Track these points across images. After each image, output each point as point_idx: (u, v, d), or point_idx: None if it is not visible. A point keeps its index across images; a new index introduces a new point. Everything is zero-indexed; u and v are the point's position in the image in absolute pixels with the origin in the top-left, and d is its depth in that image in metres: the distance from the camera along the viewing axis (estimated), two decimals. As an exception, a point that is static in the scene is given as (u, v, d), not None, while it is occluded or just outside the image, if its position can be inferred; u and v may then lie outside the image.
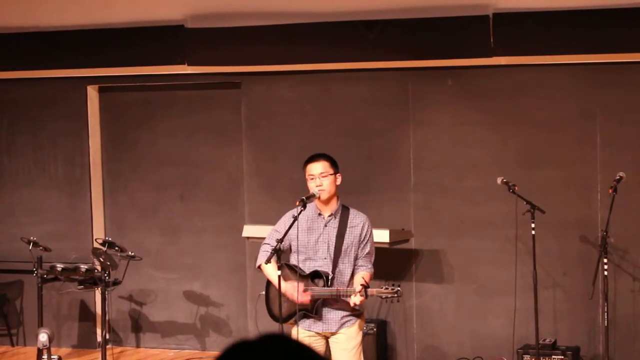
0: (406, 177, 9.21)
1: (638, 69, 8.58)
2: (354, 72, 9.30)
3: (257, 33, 9.28)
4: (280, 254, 6.56)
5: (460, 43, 8.84)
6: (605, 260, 7.87)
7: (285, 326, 6.62)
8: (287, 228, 6.47)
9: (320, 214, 6.58)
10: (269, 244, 6.56)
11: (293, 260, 6.60)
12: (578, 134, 8.78)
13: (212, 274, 10.07)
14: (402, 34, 8.97)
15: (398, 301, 6.67)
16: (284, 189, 9.34)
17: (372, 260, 6.62)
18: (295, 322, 6.55)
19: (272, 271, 6.50)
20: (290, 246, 6.60)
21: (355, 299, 6.33)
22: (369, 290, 6.34)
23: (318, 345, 6.50)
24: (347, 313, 6.52)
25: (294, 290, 6.46)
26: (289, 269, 6.57)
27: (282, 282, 6.46)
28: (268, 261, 6.42)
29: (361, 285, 6.33)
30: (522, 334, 8.64)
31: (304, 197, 6.48)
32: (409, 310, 9.24)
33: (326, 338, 6.57)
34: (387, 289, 6.40)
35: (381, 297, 6.43)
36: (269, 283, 6.71)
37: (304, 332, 6.52)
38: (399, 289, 6.41)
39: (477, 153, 9.01)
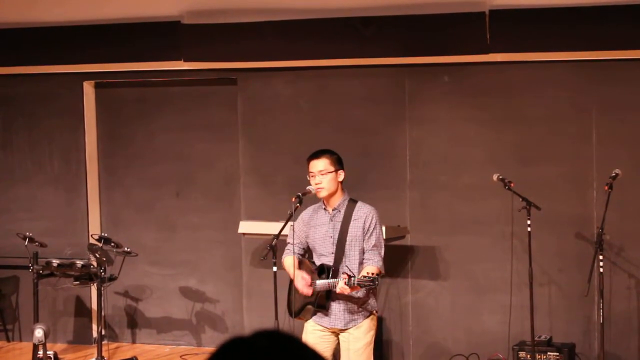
0: (402, 174, 9.21)
1: (634, 66, 8.59)
2: (350, 69, 9.30)
3: (254, 29, 9.27)
4: (276, 251, 6.60)
5: (457, 40, 8.84)
6: (600, 257, 7.88)
7: (299, 321, 6.69)
8: (299, 226, 6.59)
9: (325, 209, 6.60)
10: (290, 242, 6.67)
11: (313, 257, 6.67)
12: (574, 131, 8.78)
13: (208, 270, 10.07)
14: (398, 30, 8.97)
15: (375, 288, 6.54)
16: (280, 185, 9.34)
17: (382, 254, 6.54)
18: (310, 316, 6.59)
19: (288, 265, 6.61)
20: (307, 244, 6.68)
21: (340, 285, 6.28)
22: (351, 280, 6.27)
23: (327, 342, 6.52)
24: (354, 309, 6.51)
25: (299, 279, 6.52)
26: (307, 263, 6.62)
27: (296, 272, 6.55)
28: (264, 258, 6.58)
29: (345, 273, 6.29)
30: (517, 331, 8.65)
31: (300, 194, 6.50)
32: (405, 307, 9.24)
33: (336, 334, 6.57)
34: (364, 277, 6.30)
35: (360, 285, 6.34)
36: (291, 280, 6.75)
37: (313, 325, 6.56)
38: (375, 277, 6.28)
39: (473, 150, 9.02)
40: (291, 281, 6.73)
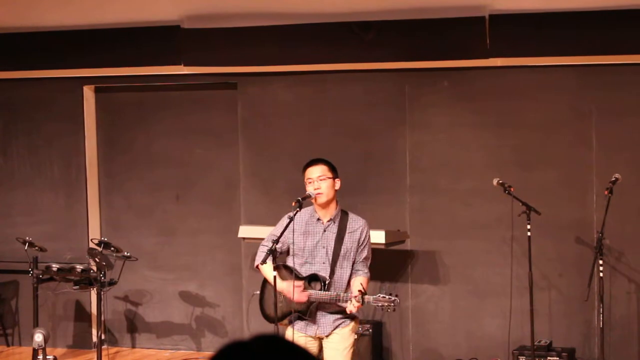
0: (402, 178, 9.21)
1: (633, 70, 8.59)
2: (350, 73, 9.30)
3: (254, 34, 9.28)
4: (276, 255, 6.52)
5: (457, 44, 8.84)
6: (600, 262, 7.88)
7: (280, 327, 6.62)
8: (284, 230, 6.47)
9: (319, 219, 6.57)
10: (266, 245, 6.56)
11: (290, 262, 6.59)
12: (574, 136, 8.79)
13: (207, 275, 10.07)
14: (398, 35, 8.97)
15: (394, 310, 6.63)
16: (280, 190, 9.34)
17: (369, 265, 6.63)
18: (290, 323, 6.54)
19: (270, 271, 6.48)
20: (288, 249, 6.59)
21: (351, 307, 6.33)
22: (365, 297, 6.34)
23: (311, 347, 6.51)
24: (340, 316, 6.53)
25: (290, 288, 6.45)
26: (285, 270, 6.57)
27: (279, 281, 6.45)
28: (264, 262, 6.42)
29: (359, 291, 6.32)
30: (517, 336, 8.65)
31: (300, 198, 6.49)
32: (405, 312, 9.24)
33: (320, 340, 6.58)
34: (383, 297, 6.38)
35: (377, 305, 6.41)
36: (264, 283, 6.71)
37: (297, 334, 6.52)
38: (396, 298, 6.39)
39: (473, 154, 9.02)
40: (264, 286, 6.70)
